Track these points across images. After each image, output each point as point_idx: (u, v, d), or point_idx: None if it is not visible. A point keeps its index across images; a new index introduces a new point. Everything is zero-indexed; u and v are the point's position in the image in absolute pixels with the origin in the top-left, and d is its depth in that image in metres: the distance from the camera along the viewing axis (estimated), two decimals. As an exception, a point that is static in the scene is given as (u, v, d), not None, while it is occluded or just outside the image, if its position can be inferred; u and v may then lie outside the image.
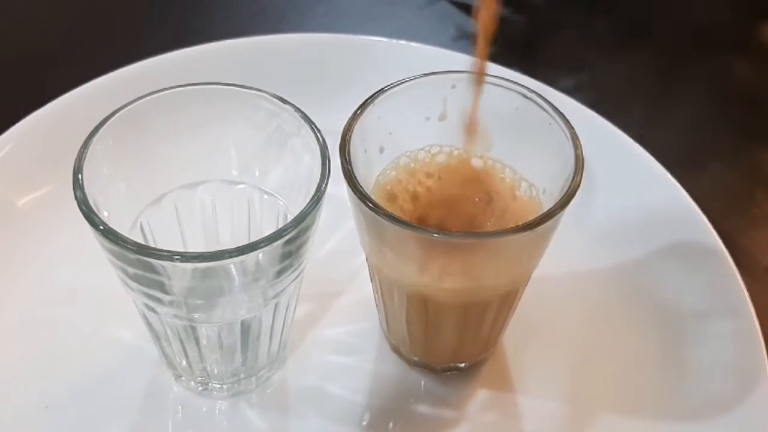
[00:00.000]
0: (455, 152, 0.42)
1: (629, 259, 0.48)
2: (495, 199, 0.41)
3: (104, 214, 0.35)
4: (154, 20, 0.68)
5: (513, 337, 0.45)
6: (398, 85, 0.40)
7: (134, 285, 0.36)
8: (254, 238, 0.34)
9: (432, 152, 0.42)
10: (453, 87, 0.40)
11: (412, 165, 0.42)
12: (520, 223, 0.35)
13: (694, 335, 0.45)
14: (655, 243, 0.48)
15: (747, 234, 0.53)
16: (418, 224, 0.35)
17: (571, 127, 0.38)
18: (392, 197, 0.41)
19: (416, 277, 0.38)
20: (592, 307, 0.47)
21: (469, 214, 0.41)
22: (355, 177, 0.36)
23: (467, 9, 0.69)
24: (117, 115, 0.38)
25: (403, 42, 0.59)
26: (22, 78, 0.61)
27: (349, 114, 0.39)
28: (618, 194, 0.51)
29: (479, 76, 0.39)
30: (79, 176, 0.35)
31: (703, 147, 0.60)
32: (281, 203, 0.41)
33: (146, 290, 0.36)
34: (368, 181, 0.40)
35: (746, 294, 0.44)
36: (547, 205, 0.39)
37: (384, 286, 0.41)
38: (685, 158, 0.56)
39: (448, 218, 0.40)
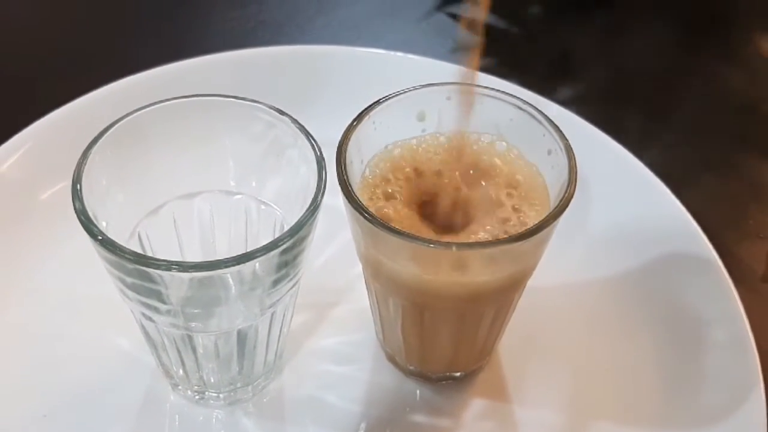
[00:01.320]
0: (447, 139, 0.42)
1: (624, 270, 0.49)
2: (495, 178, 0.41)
3: (102, 224, 0.36)
4: (153, 32, 0.69)
5: (508, 346, 0.46)
6: (394, 96, 0.40)
7: (132, 294, 0.36)
8: (251, 248, 0.34)
9: (423, 145, 0.42)
10: (448, 98, 0.40)
11: (404, 152, 0.42)
12: (518, 232, 0.35)
13: (689, 345, 0.45)
14: (651, 254, 0.49)
15: (742, 245, 0.54)
16: (415, 234, 0.35)
17: (564, 138, 0.38)
18: (385, 182, 0.41)
19: (412, 286, 0.38)
20: (587, 316, 0.47)
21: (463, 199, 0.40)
22: (351, 188, 0.37)
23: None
24: (116, 126, 0.38)
25: (400, 54, 0.59)
26: (17, 90, 0.61)
27: (346, 125, 0.39)
28: (613, 205, 0.51)
29: (468, 87, 0.40)
30: (78, 186, 0.35)
31: (698, 159, 0.60)
32: (278, 213, 0.42)
33: (144, 299, 0.36)
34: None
35: (740, 304, 0.45)
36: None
37: (380, 296, 0.41)
38: (680, 170, 0.57)
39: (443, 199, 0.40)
